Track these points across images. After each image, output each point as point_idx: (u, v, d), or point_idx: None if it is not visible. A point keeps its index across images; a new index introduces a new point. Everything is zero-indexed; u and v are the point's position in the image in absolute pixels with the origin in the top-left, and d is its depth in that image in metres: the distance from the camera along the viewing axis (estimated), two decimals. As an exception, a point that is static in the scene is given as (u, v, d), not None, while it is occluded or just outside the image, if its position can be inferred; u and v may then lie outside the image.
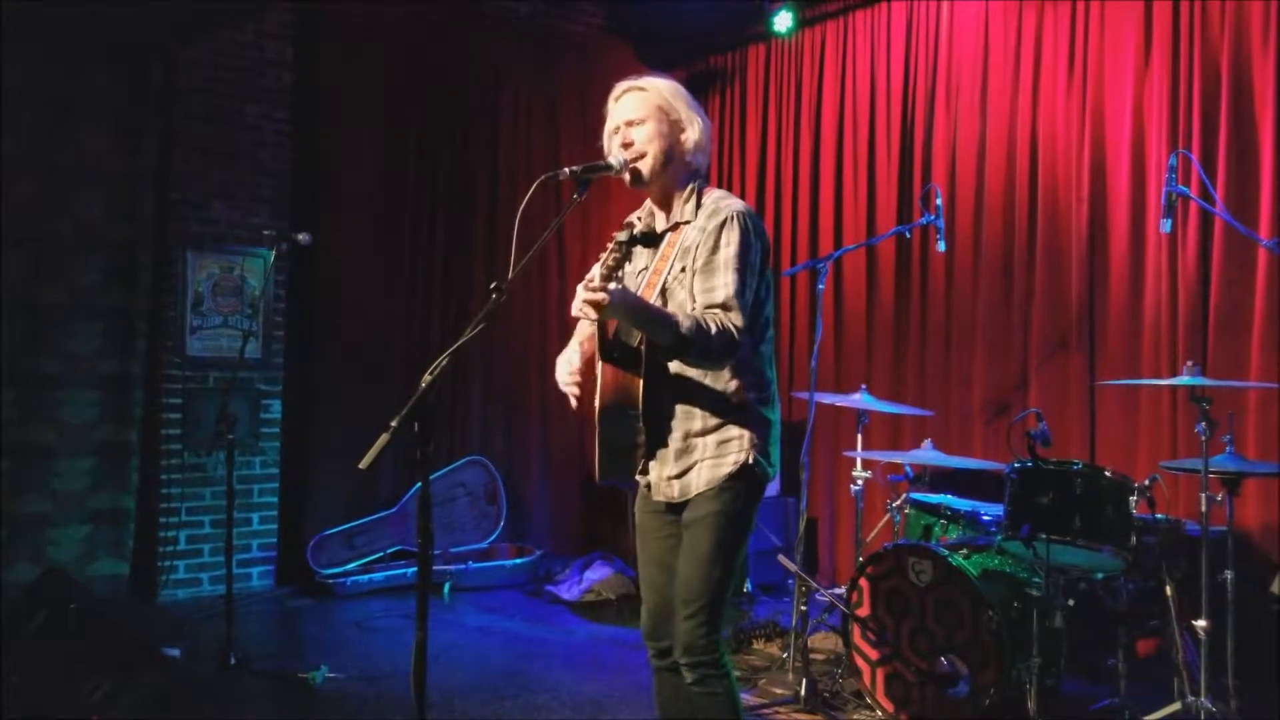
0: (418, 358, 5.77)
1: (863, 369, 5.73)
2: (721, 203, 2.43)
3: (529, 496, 6.43)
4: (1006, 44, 5.22)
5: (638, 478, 2.50)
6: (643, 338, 2.35)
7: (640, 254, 2.56)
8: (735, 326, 2.29)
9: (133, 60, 5.29)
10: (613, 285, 2.18)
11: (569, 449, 6.50)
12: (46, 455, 5.08)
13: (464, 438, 6.19)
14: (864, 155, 5.90)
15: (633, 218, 2.63)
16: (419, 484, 2.10)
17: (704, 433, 2.40)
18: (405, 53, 6.01)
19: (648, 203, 2.57)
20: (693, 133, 2.47)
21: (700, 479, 2.40)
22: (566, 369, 2.49)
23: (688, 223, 2.44)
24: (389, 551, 5.71)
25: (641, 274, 2.50)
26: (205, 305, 5.38)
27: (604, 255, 2.22)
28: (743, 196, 6.37)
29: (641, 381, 2.36)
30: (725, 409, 2.40)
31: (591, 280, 2.19)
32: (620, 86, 2.51)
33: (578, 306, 2.20)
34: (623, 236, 2.22)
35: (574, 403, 2.50)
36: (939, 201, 4.48)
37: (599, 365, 2.43)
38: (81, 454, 5.18)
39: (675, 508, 2.48)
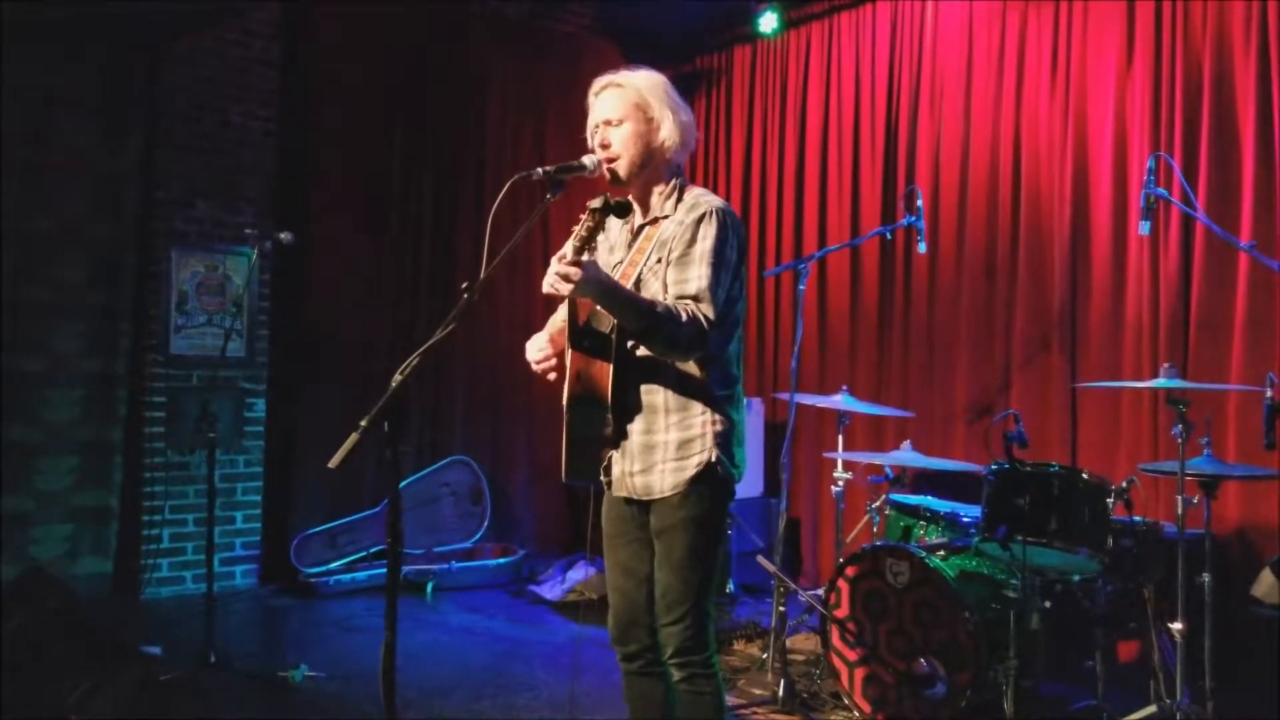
0: (404, 355, 5.70)
1: (845, 370, 5.73)
2: (701, 199, 2.43)
3: (513, 497, 6.44)
4: (990, 46, 5.23)
5: (601, 475, 2.49)
6: (614, 325, 2.33)
7: (617, 247, 2.56)
8: (706, 318, 2.28)
9: (118, 59, 5.28)
10: (586, 257, 2.17)
11: (553, 449, 6.40)
12: (30, 454, 5.07)
13: (448, 438, 6.19)
14: (848, 156, 5.91)
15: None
16: (403, 483, 2.10)
17: (667, 428, 2.39)
18: (392, 52, 6.01)
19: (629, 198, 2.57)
20: (672, 130, 2.44)
21: (665, 482, 2.38)
22: (536, 348, 2.50)
23: (666, 217, 2.44)
24: (373, 551, 5.69)
25: (617, 266, 2.49)
26: (189, 304, 5.37)
27: (577, 227, 2.19)
28: (728, 196, 6.41)
29: (610, 370, 2.35)
30: (690, 406, 2.39)
31: (564, 255, 2.17)
32: (599, 82, 2.49)
33: (549, 281, 2.18)
34: (596, 204, 2.18)
35: (552, 376, 2.49)
36: (920, 203, 4.50)
37: (568, 355, 2.42)
38: (65, 452, 5.18)
39: (642, 508, 2.46)
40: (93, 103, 5.23)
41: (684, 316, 2.26)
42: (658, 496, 2.40)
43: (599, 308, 2.33)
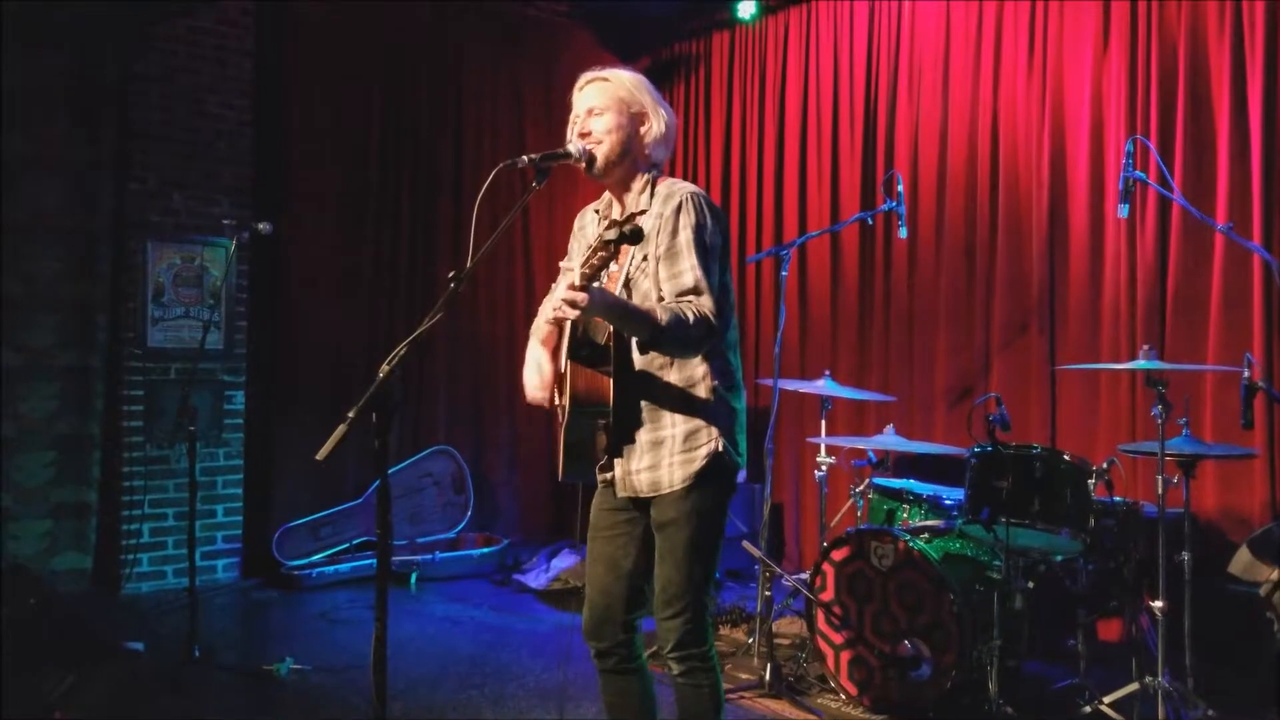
0: (383, 347, 5.74)
1: (827, 355, 5.76)
2: (674, 188, 2.44)
3: (496, 486, 6.43)
4: (968, 29, 5.24)
5: (599, 474, 2.50)
6: (610, 334, 2.34)
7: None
8: (710, 311, 2.30)
9: (91, 48, 5.20)
10: (594, 285, 2.17)
11: (536, 438, 6.51)
12: (6, 449, 5.00)
13: (431, 427, 6.18)
14: (827, 141, 5.91)
15: (591, 209, 2.63)
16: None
17: (673, 424, 2.39)
18: (368, 39, 5.96)
19: (606, 194, 2.57)
20: (654, 125, 2.48)
21: (674, 475, 2.38)
22: (537, 377, 2.52)
23: (644, 212, 2.44)
24: (355, 543, 5.67)
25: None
26: (166, 296, 5.32)
27: (588, 254, 2.18)
28: (707, 182, 6.41)
29: (611, 379, 2.36)
30: (692, 400, 2.40)
31: (572, 281, 2.18)
32: (584, 77, 2.52)
33: (554, 307, 2.20)
34: (611, 236, 2.14)
35: (545, 404, 2.52)
36: (900, 188, 4.51)
37: (566, 364, 2.43)
38: (42, 447, 5.12)
39: (637, 505, 2.46)
40: (64, 93, 5.15)
41: (690, 317, 2.27)
42: (665, 491, 2.40)
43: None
